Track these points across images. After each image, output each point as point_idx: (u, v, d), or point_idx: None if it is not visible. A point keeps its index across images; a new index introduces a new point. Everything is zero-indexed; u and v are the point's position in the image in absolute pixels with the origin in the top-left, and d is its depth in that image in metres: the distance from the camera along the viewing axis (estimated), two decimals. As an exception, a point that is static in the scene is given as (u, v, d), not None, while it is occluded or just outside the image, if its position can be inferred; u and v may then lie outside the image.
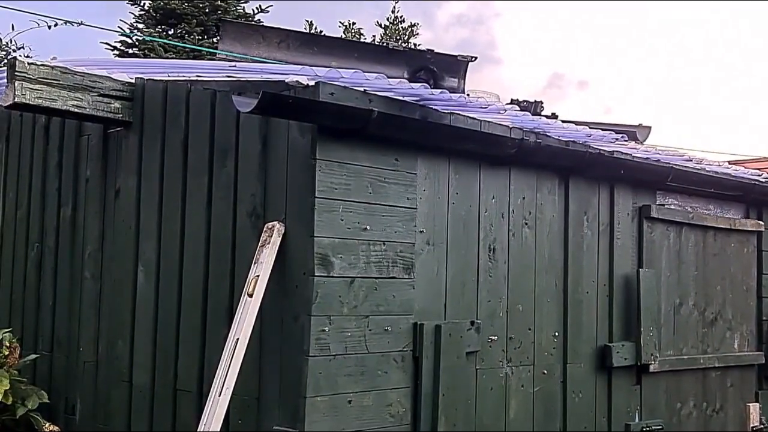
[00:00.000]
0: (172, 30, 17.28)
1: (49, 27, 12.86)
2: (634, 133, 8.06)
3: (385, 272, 3.91)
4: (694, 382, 5.69)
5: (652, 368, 5.24)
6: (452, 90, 6.57)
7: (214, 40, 15.77)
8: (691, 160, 5.88)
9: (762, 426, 6.10)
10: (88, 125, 4.88)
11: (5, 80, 4.21)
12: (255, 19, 17.97)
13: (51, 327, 5.15)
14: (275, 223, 3.76)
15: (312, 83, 3.72)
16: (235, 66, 5.39)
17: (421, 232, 4.10)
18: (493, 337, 4.42)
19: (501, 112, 4.54)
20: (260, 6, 18.27)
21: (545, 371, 4.70)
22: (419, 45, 22.11)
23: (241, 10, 17.94)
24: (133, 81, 4.62)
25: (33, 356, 4.98)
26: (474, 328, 4.28)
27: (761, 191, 6.03)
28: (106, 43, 17.36)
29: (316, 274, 3.64)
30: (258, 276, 3.65)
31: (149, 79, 4.58)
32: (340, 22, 24.17)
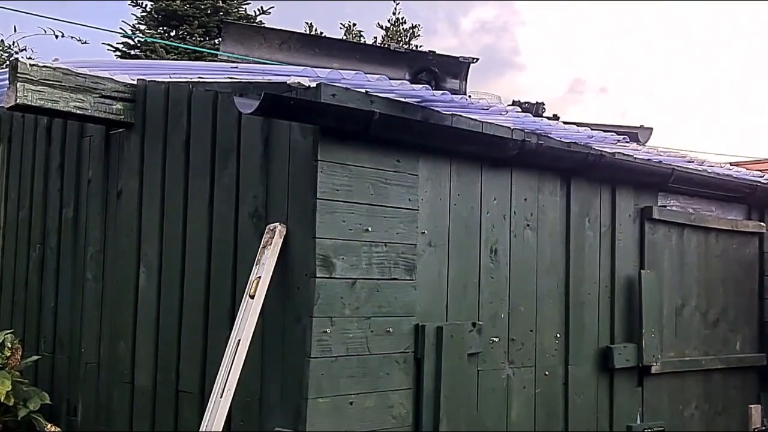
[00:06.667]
0: (174, 31, 17.28)
1: (56, 36, 13.01)
2: (635, 134, 8.05)
3: (386, 273, 3.91)
4: (696, 383, 5.68)
5: (654, 370, 5.24)
6: (454, 91, 6.56)
7: (216, 41, 15.76)
8: (693, 162, 5.87)
9: (764, 428, 6.09)
10: (90, 126, 4.88)
11: (7, 81, 4.22)
12: (257, 21, 17.96)
13: (53, 328, 5.15)
14: (277, 224, 3.76)
15: (314, 85, 3.72)
16: (236, 67, 5.39)
17: (422, 233, 4.09)
18: (494, 339, 4.41)
19: (503, 113, 4.53)
20: (262, 7, 18.28)
21: (547, 373, 4.69)
22: (420, 46, 22.11)
23: (243, 12, 17.92)
24: (134, 82, 4.63)
25: (35, 357, 4.98)
26: (476, 330, 4.28)
27: (763, 193, 6.03)
28: (108, 45, 17.38)
29: (317, 275, 3.64)
30: (260, 277, 3.65)
31: (151, 81, 4.58)
32: (342, 24, 24.14)
